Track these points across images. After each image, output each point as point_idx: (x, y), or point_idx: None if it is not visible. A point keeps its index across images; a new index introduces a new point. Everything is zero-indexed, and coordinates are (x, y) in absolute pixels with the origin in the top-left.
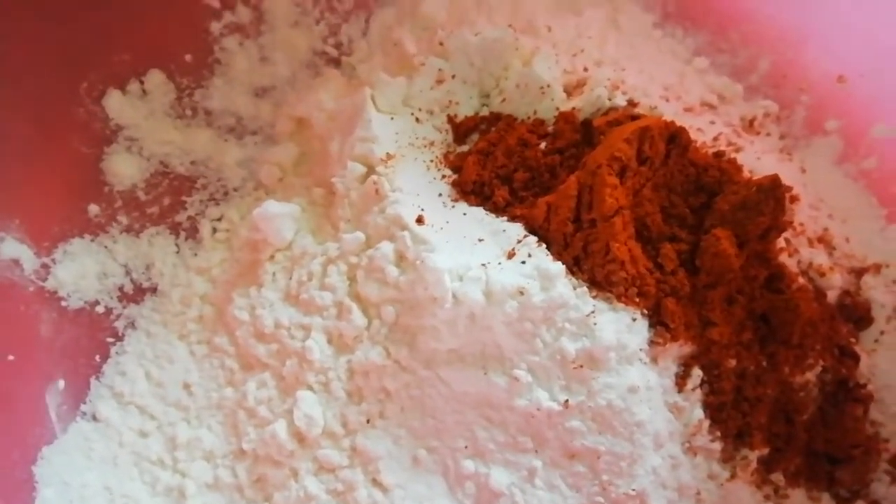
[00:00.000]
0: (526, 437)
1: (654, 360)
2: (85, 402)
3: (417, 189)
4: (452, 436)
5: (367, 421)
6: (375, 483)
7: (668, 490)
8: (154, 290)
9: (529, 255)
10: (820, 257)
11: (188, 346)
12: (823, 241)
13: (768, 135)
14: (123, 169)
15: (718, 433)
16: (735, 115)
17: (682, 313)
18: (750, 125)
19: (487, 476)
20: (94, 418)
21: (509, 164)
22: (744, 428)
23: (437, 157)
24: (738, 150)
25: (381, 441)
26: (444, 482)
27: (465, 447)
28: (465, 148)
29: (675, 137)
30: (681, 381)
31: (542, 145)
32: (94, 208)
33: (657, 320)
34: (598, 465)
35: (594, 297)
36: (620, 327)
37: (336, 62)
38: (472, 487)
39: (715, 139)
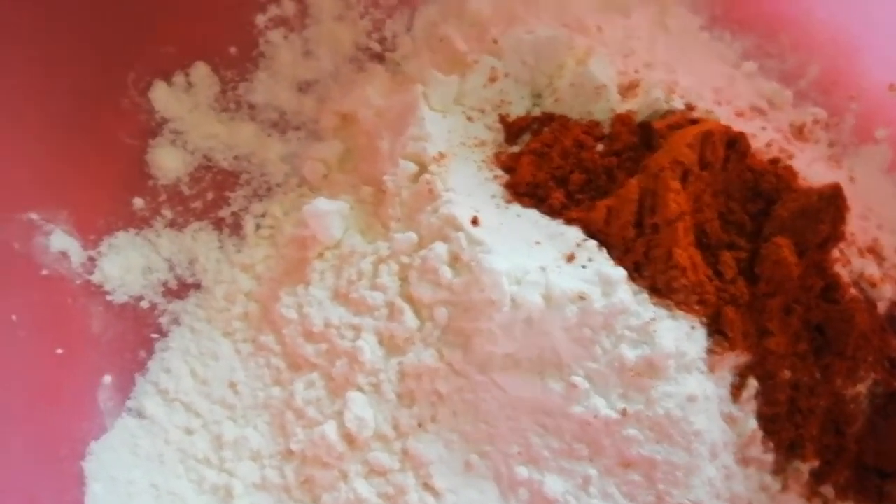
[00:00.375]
0: (581, 444)
1: (712, 369)
2: (130, 398)
3: (470, 189)
4: (506, 442)
5: (419, 424)
6: (427, 487)
7: (721, 501)
8: (198, 285)
9: (590, 260)
10: (870, 268)
11: (233, 343)
12: (873, 251)
13: (817, 142)
14: (168, 162)
15: (771, 444)
16: (784, 122)
17: (741, 322)
18: (799, 132)
19: (541, 483)
20: (140, 415)
21: (565, 166)
22: (796, 440)
23: (488, 157)
24: (790, 157)
25: (432, 445)
26: (496, 488)
27: (519, 453)
28: (516, 148)
29: (735, 143)
30: (736, 391)
31: (599, 147)
32: (138, 202)
33: (716, 329)
34: (655, 474)
35: (654, 304)
36: (680, 335)
37: (380, 58)
38: (526, 494)
39: (768, 145)
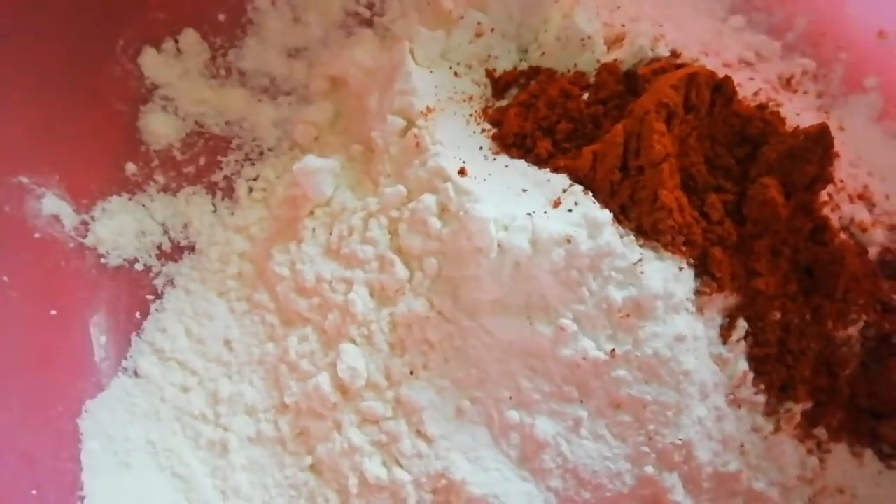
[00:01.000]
0: (571, 386)
1: (700, 310)
2: (126, 358)
3: (457, 142)
4: (496, 386)
5: (411, 372)
6: (419, 434)
7: (713, 441)
8: (192, 248)
9: (576, 204)
10: (861, 213)
11: (228, 302)
12: (863, 197)
13: (805, 93)
14: (159, 128)
15: (762, 386)
16: (773, 73)
17: (729, 263)
18: (787, 83)
19: (532, 426)
20: (136, 374)
21: (552, 116)
22: (787, 381)
23: (475, 111)
24: (778, 106)
25: (424, 392)
26: (488, 433)
27: (510, 398)
28: (503, 102)
29: (721, 87)
30: (725, 332)
31: (585, 96)
32: (131, 167)
33: (703, 270)
34: (645, 414)
35: (641, 246)
36: (667, 276)
37: (369, 22)
38: (517, 438)
39: (755, 94)
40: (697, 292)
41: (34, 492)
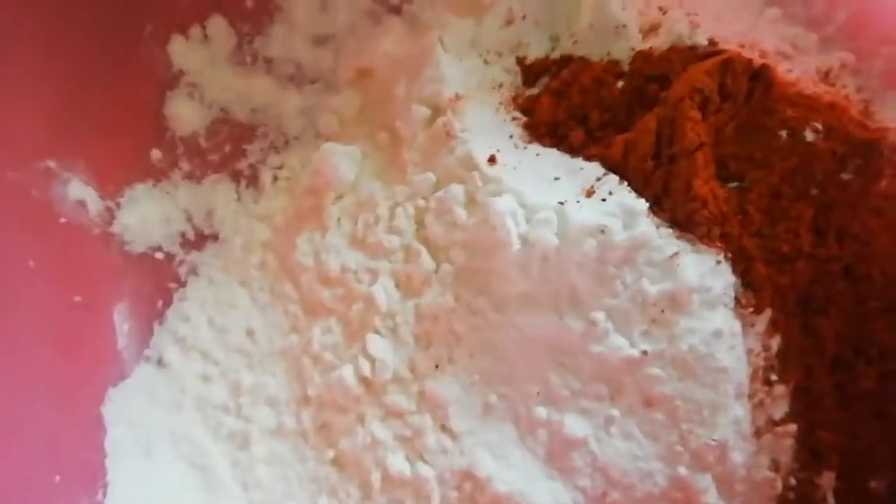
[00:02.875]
0: (601, 383)
1: (740, 318)
2: (149, 347)
3: (487, 130)
4: (524, 382)
5: (436, 366)
6: (444, 429)
7: (748, 442)
8: (215, 237)
9: (610, 193)
10: None
11: (250, 292)
12: None
13: (844, 87)
14: (185, 114)
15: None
16: (811, 66)
17: (772, 279)
18: (825, 77)
19: (561, 424)
20: (159, 362)
21: (585, 104)
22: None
23: (505, 99)
24: None
25: (450, 386)
26: (515, 429)
27: (538, 394)
28: (534, 91)
29: (760, 75)
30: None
31: (619, 85)
32: (156, 153)
33: (745, 283)
34: (678, 413)
35: (677, 238)
36: (704, 270)
37: (397, 10)
38: (545, 435)
39: (792, 86)
40: (737, 301)
41: (58, 478)
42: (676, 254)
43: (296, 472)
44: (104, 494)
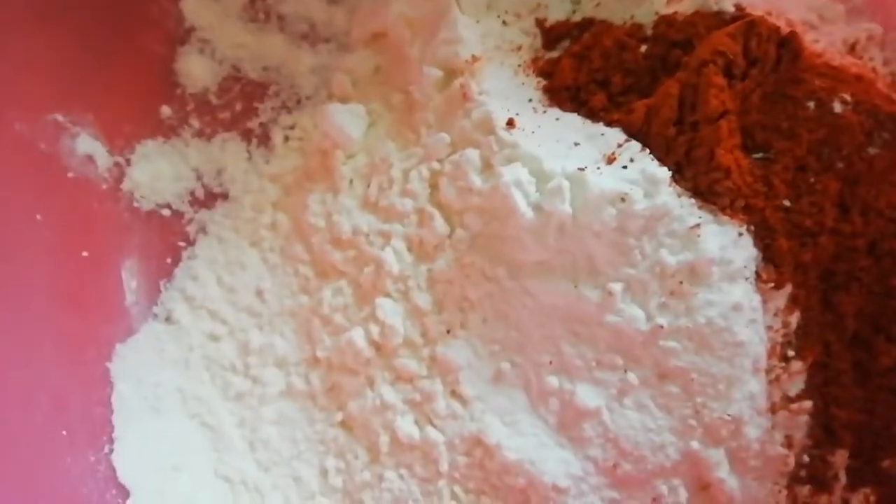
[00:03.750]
0: (616, 354)
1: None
2: (157, 304)
3: (506, 93)
4: (537, 350)
5: (448, 331)
6: (454, 394)
7: (763, 418)
8: (225, 195)
9: (632, 160)
10: None
11: (261, 252)
12: None
13: (871, 60)
14: (196, 71)
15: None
16: (837, 37)
17: (794, 253)
18: (852, 49)
19: (573, 393)
20: (167, 320)
21: (606, 68)
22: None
23: (524, 61)
24: None
25: (461, 351)
26: (526, 397)
27: (550, 362)
28: (554, 54)
29: (787, 43)
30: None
31: (642, 49)
32: (166, 110)
33: (767, 256)
34: (693, 386)
35: (699, 208)
36: (725, 242)
37: None
38: (556, 404)
39: (819, 56)
40: (758, 275)
41: (64, 433)
42: (698, 224)
43: (304, 433)
44: (111, 450)
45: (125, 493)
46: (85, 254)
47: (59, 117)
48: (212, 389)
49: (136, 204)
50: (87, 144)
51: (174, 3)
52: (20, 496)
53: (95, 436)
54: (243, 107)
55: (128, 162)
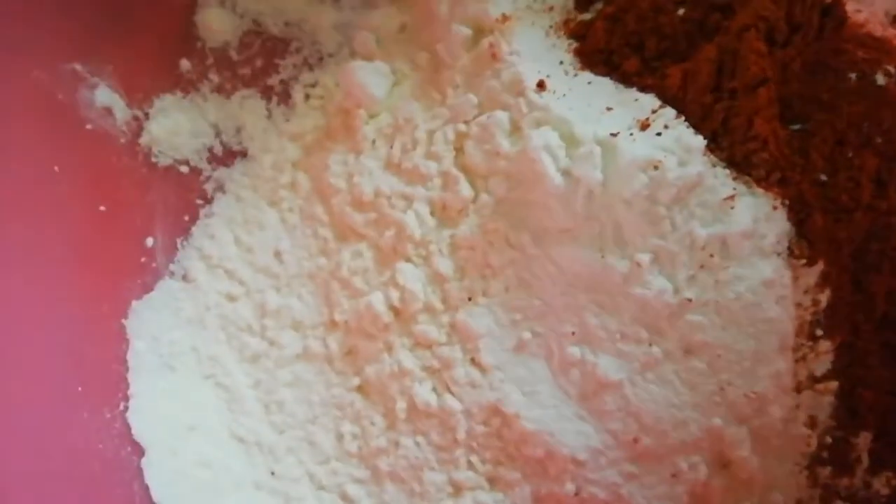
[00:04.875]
0: (641, 327)
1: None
2: (174, 262)
3: (536, 54)
4: (559, 320)
5: (469, 298)
6: (474, 363)
7: (787, 397)
8: (244, 153)
9: (666, 127)
10: None
11: (279, 212)
12: None
13: None
14: (216, 24)
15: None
16: (880, 8)
17: (828, 230)
18: (894, 21)
19: (595, 365)
20: (183, 278)
21: (641, 31)
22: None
23: (556, 23)
24: None
25: (482, 319)
26: (547, 367)
27: (573, 333)
28: (587, 16)
29: (830, 10)
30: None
31: (680, 12)
32: (185, 63)
33: (799, 231)
34: (718, 363)
35: (733, 179)
36: (759, 215)
37: None
38: (578, 376)
39: (861, 27)
40: (790, 251)
41: (80, 388)
42: (732, 196)
43: (320, 396)
44: (126, 407)
45: (140, 451)
46: (102, 208)
47: (78, 67)
48: (227, 350)
49: (153, 159)
50: (106, 96)
51: None
52: (37, 451)
53: (111, 392)
54: (264, 63)
55: (146, 116)
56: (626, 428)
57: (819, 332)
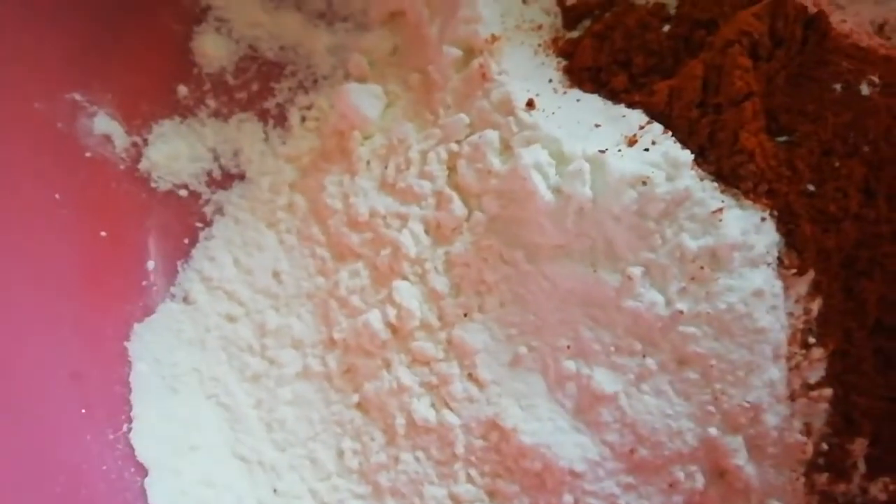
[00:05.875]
0: (634, 339)
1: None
2: (175, 284)
3: (526, 73)
4: (554, 334)
5: (465, 314)
6: (471, 378)
7: (782, 405)
8: (242, 176)
9: (654, 142)
10: None
11: (277, 234)
12: None
13: None
14: (212, 50)
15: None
16: (865, 18)
17: (817, 239)
18: (880, 29)
19: (590, 378)
20: (184, 300)
21: (628, 48)
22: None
23: (545, 41)
24: None
25: (478, 335)
26: (543, 381)
27: (568, 347)
28: (575, 33)
29: (813, 23)
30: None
31: (665, 29)
32: (182, 89)
33: (790, 242)
34: (712, 373)
35: (721, 192)
36: (747, 226)
37: None
38: (574, 389)
39: (846, 37)
40: (780, 261)
41: (83, 410)
42: (720, 209)
43: (320, 414)
44: (129, 428)
45: (143, 472)
46: (103, 234)
47: (77, 96)
48: (228, 370)
49: (153, 184)
50: (105, 124)
51: None
52: (41, 472)
53: (114, 414)
54: (260, 87)
55: (145, 142)
56: (622, 439)
57: (812, 340)
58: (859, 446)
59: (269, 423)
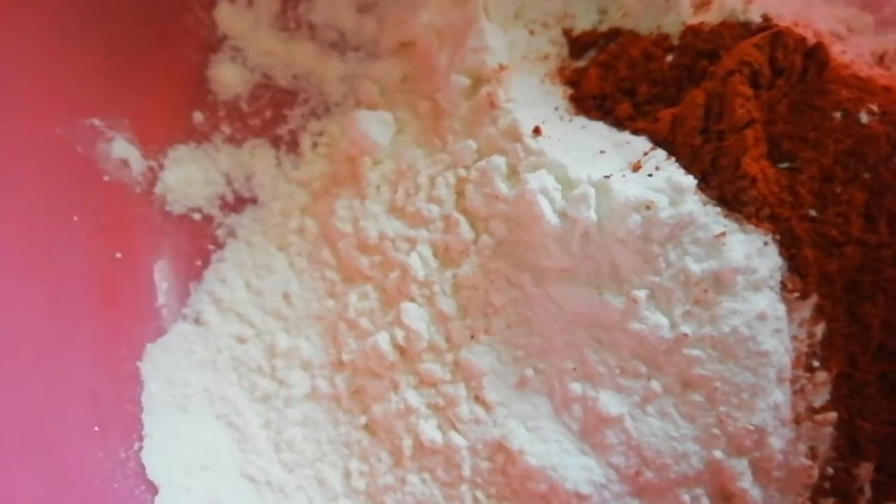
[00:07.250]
0: (640, 361)
1: (786, 303)
2: (187, 306)
3: (532, 101)
4: (560, 357)
5: (472, 336)
6: (478, 400)
7: (787, 428)
8: (254, 200)
9: (657, 168)
10: None
11: (288, 257)
12: None
13: None
14: (228, 78)
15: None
16: (865, 48)
17: (819, 263)
18: (880, 60)
19: (595, 400)
20: (196, 321)
21: (632, 77)
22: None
23: (551, 70)
24: None
25: (485, 357)
26: (549, 403)
27: (574, 369)
28: (581, 63)
29: (813, 54)
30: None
31: (668, 59)
32: (198, 116)
33: (792, 267)
34: (716, 395)
35: (724, 217)
36: (751, 250)
37: None
38: (579, 411)
39: (846, 68)
40: (783, 285)
41: (96, 428)
42: (723, 233)
43: (328, 435)
44: (140, 447)
45: (153, 490)
46: (118, 255)
47: (97, 122)
48: (238, 390)
49: (167, 208)
50: (123, 148)
51: (208, 12)
52: (54, 489)
53: (126, 432)
54: (273, 113)
55: (161, 166)
56: (627, 462)
57: (816, 364)
58: (865, 471)
59: (278, 443)
